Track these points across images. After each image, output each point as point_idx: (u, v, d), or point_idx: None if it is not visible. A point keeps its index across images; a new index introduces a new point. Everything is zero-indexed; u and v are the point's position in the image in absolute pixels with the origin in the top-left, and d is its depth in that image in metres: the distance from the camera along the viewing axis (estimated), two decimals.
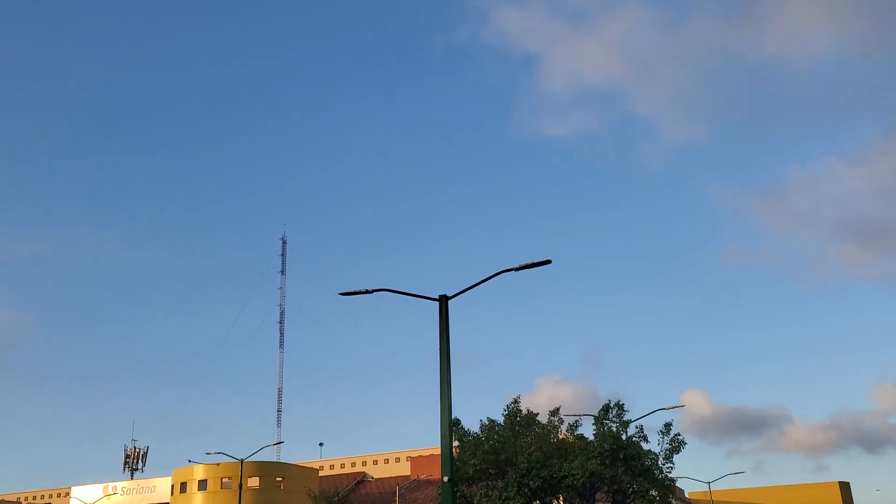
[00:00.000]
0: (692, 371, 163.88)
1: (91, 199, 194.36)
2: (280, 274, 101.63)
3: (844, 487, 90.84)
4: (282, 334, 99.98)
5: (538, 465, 44.55)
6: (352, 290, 25.10)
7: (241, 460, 57.24)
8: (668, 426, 47.74)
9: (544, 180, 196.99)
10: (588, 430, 48.28)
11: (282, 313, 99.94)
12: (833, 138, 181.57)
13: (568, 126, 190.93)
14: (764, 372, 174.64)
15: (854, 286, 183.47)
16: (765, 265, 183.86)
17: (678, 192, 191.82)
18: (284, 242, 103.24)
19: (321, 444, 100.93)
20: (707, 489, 67.40)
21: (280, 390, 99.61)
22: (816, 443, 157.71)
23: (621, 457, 45.71)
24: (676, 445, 47.37)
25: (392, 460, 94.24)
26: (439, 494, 49.59)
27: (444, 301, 24.50)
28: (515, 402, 49.97)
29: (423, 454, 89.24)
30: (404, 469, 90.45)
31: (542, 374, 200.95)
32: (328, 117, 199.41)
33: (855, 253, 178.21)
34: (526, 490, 44.19)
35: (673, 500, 48.53)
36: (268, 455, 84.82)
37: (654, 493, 45.93)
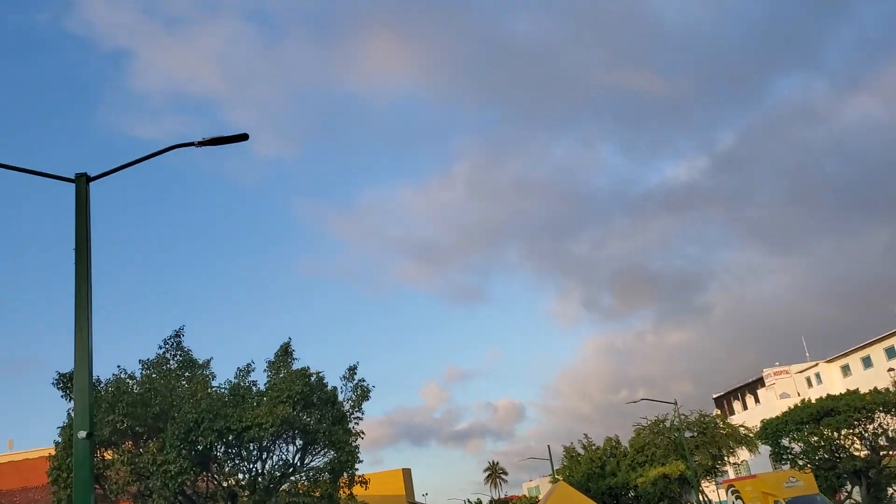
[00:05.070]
0: None
1: None
2: None
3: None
4: None
5: (211, 416, 34.45)
6: None
7: None
8: (352, 370, 40.13)
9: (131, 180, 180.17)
10: (259, 379, 38.68)
11: None
12: (402, 168, 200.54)
13: (159, 129, 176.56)
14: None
15: (413, 296, 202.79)
16: (338, 275, 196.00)
17: (265, 204, 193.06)
18: None
19: None
20: None
21: None
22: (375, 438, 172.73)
23: (315, 401, 37.51)
24: (364, 392, 40.12)
25: None
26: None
27: (83, 182, 13.95)
28: (177, 335, 38.63)
29: None
30: None
31: None
32: None
33: (413, 267, 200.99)
34: (194, 450, 33.94)
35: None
36: None
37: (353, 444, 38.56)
